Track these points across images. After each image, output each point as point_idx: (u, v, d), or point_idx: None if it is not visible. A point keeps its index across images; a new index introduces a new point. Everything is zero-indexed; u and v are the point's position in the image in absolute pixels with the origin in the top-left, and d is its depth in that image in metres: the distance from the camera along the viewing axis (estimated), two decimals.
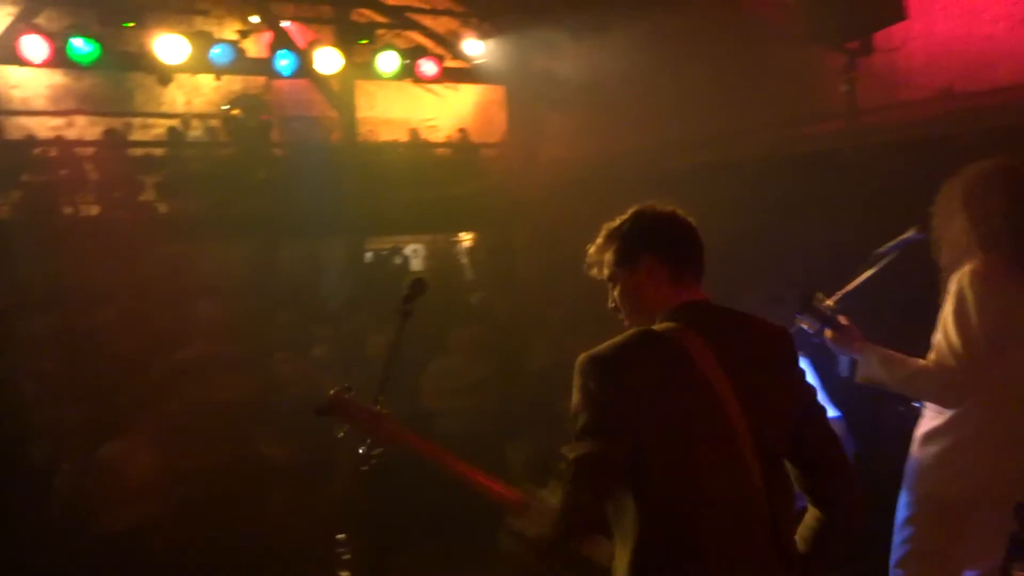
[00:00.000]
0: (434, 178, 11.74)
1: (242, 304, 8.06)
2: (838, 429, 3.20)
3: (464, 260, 13.83)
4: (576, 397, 1.87)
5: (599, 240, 2.08)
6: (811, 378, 3.28)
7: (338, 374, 6.40)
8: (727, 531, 1.84)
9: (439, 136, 14.52)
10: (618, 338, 1.92)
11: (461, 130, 13.46)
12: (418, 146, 13.67)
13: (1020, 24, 6.35)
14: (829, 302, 2.94)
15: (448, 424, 6.38)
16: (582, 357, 1.90)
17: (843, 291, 3.19)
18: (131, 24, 7.11)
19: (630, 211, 2.07)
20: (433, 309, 8.43)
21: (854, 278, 3.16)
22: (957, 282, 2.66)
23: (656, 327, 1.93)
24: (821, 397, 3.27)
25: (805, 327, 2.94)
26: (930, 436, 2.76)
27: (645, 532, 1.84)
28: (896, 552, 2.84)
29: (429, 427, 6.44)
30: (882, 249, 3.13)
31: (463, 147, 13.09)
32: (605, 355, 1.89)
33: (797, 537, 2.00)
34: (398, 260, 12.86)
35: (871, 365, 2.79)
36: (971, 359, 2.58)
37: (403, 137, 13.99)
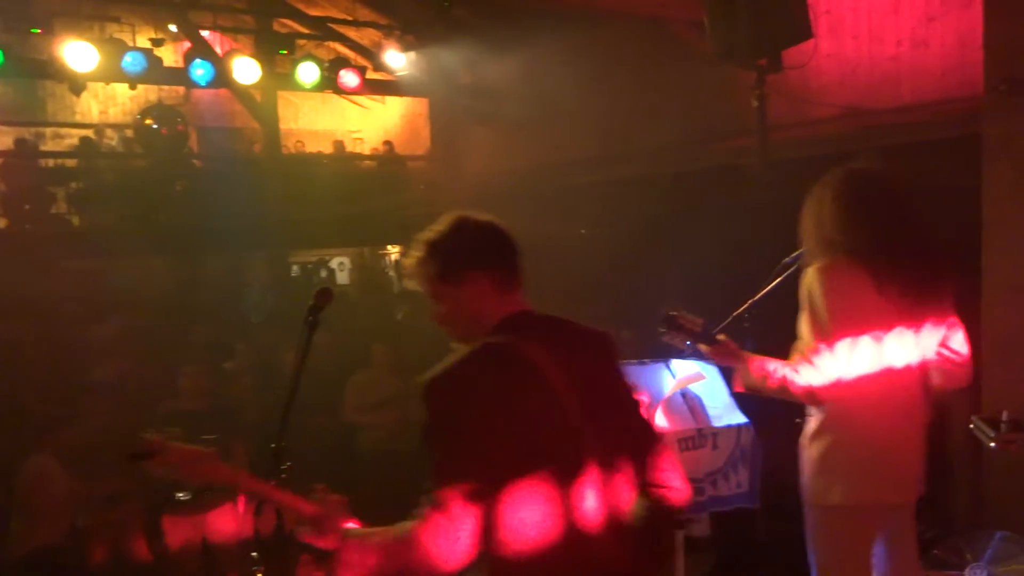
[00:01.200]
0: (360, 190, 11.65)
1: (158, 321, 7.85)
2: (747, 435, 3.29)
3: (391, 273, 13.74)
4: (430, 422, 1.80)
5: (418, 254, 2.00)
6: (719, 384, 3.37)
7: (256, 388, 6.28)
8: (578, 533, 1.83)
9: (365, 148, 14.42)
10: (460, 355, 1.86)
11: (387, 142, 13.40)
12: (343, 158, 13.54)
13: (921, 46, 6.64)
14: (695, 318, 2.95)
15: (370, 438, 6.31)
16: (428, 380, 1.82)
17: (752, 300, 3.27)
18: (38, 31, 6.86)
19: (448, 222, 2.00)
20: (358, 322, 8.37)
21: (763, 287, 3.26)
22: (805, 285, 2.74)
23: (493, 340, 1.90)
24: (730, 403, 3.36)
25: (675, 344, 2.97)
26: (808, 441, 2.82)
27: (500, 548, 1.80)
28: (812, 559, 2.88)
29: (352, 442, 6.36)
30: (788, 259, 3.23)
31: (389, 159, 13.02)
32: (448, 378, 1.83)
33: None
34: (323, 273, 12.70)
35: (746, 373, 2.86)
36: (824, 353, 2.65)
37: (328, 149, 13.85)
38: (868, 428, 2.70)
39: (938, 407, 3.00)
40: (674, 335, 2.94)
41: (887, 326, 2.69)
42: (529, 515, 1.80)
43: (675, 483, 2.01)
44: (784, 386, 2.72)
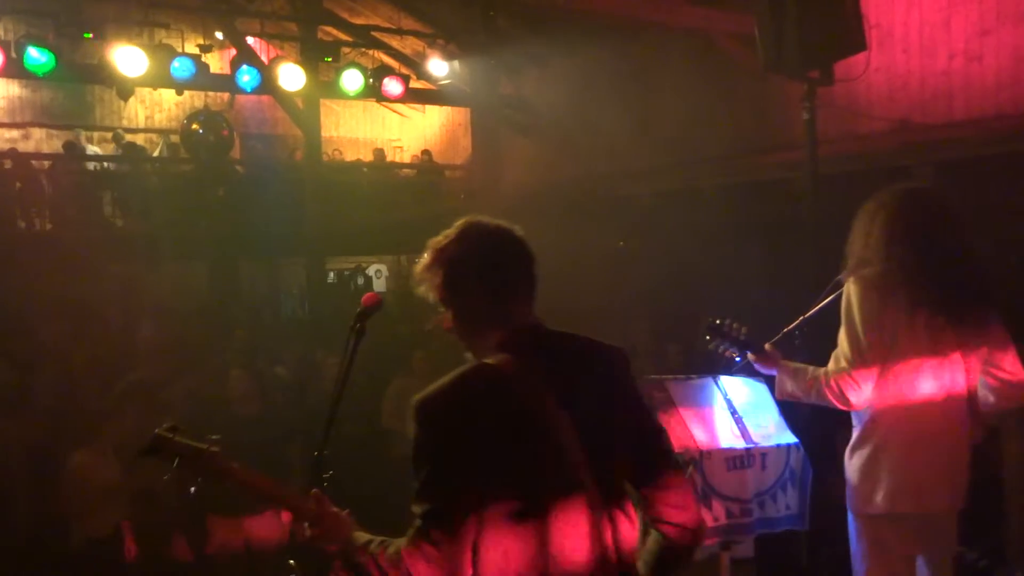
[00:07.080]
0: (398, 198, 11.71)
1: (198, 324, 7.92)
2: (796, 455, 3.19)
3: None
4: (416, 445, 1.78)
5: (425, 259, 1.94)
6: (769, 402, 3.29)
7: (294, 394, 6.30)
8: (568, 568, 1.78)
9: (404, 157, 14.50)
10: (451, 378, 1.82)
11: (425, 151, 13.47)
12: (382, 166, 13.64)
13: (974, 61, 6.51)
14: (739, 326, 3.03)
15: (405, 446, 6.29)
16: (416, 401, 1.80)
17: (804, 316, 3.20)
18: (89, 35, 6.98)
19: (456, 228, 1.93)
20: (397, 329, 8.39)
21: (814, 304, 3.19)
22: (844, 296, 2.79)
23: (490, 360, 1.84)
24: (780, 423, 3.28)
25: (723, 352, 3.05)
26: (850, 451, 2.84)
27: None
28: (856, 570, 2.87)
29: (386, 449, 6.35)
30: (841, 276, 3.16)
31: (427, 168, 13.08)
32: (438, 401, 1.79)
33: (639, 562, 1.93)
34: (360, 280, 12.78)
35: (784, 381, 2.93)
36: (860, 360, 2.70)
37: (368, 157, 13.96)
38: (906, 438, 2.73)
39: (990, 432, 2.95)
40: (720, 343, 3.04)
41: (919, 344, 2.72)
42: (513, 547, 1.77)
43: (683, 517, 1.92)
44: (819, 393, 2.79)
